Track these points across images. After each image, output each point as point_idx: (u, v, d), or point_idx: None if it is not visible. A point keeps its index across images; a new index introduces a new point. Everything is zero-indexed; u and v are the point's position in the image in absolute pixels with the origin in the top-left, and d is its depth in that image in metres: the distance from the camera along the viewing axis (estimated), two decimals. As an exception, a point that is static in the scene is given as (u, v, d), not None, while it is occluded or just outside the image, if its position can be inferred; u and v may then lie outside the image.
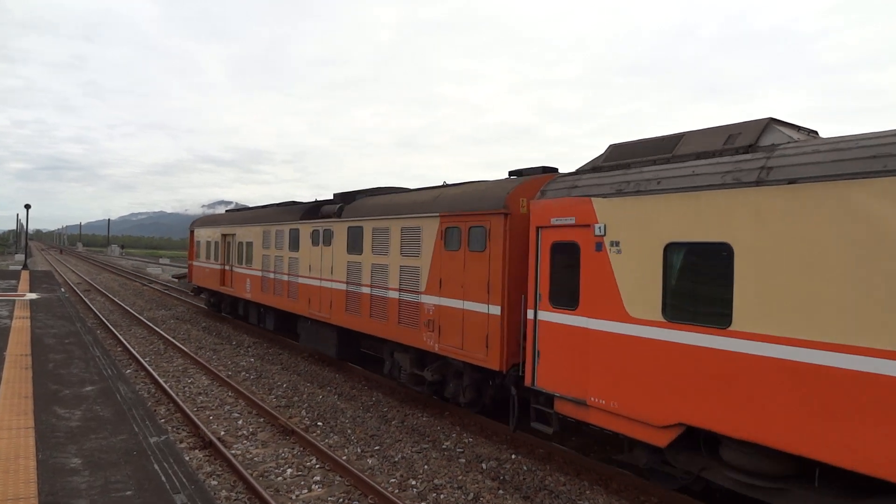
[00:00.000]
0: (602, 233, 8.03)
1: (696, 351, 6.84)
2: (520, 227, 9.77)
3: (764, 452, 6.44)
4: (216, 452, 9.53)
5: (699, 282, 6.98)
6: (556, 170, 10.76)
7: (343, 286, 14.50)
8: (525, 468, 9.41)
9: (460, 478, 8.98)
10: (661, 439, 7.28)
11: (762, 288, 6.24)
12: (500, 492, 8.51)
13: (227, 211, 27.70)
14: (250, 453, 9.76)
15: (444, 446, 10.40)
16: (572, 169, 9.66)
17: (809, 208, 5.89)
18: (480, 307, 10.20)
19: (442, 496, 8.30)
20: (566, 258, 8.67)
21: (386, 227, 12.88)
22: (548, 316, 8.91)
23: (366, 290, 13.56)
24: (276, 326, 19.50)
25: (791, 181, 6.07)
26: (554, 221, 8.79)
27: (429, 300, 11.48)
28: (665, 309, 7.21)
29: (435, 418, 12.01)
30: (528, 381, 9.23)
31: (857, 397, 5.47)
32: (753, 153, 6.80)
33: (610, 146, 9.13)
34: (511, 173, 11.25)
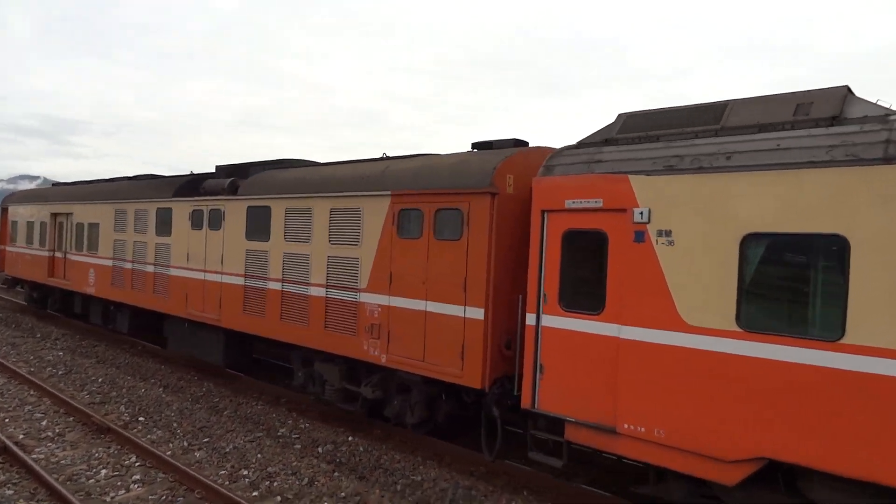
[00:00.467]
0: (645, 219, 6.43)
1: (789, 368, 5.48)
2: (507, 211, 7.91)
3: (868, 490, 5.27)
4: (12, 458, 8.56)
5: (795, 282, 5.63)
6: (527, 143, 9.05)
7: (239, 280, 11.60)
8: (361, 449, 9.32)
9: (295, 463, 8.71)
10: (732, 476, 5.87)
11: (891, 290, 5.01)
12: (336, 474, 8.40)
13: (56, 185, 22.54)
14: (56, 456, 8.81)
15: (279, 433, 10.02)
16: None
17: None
18: (454, 309, 8.18)
19: (275, 483, 8.06)
20: (586, 250, 6.98)
21: (307, 207, 10.30)
22: (557, 321, 7.16)
23: (275, 285, 10.86)
24: (132, 327, 15.74)
25: (937, 160, 4.87)
26: (570, 204, 7.04)
27: (373, 299, 9.21)
28: (741, 316, 5.78)
29: (270, 406, 11.40)
30: (525, 403, 7.42)
31: None
32: (860, 125, 5.56)
33: (622, 115, 7.56)
34: (475, 145, 9.33)
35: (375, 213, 9.20)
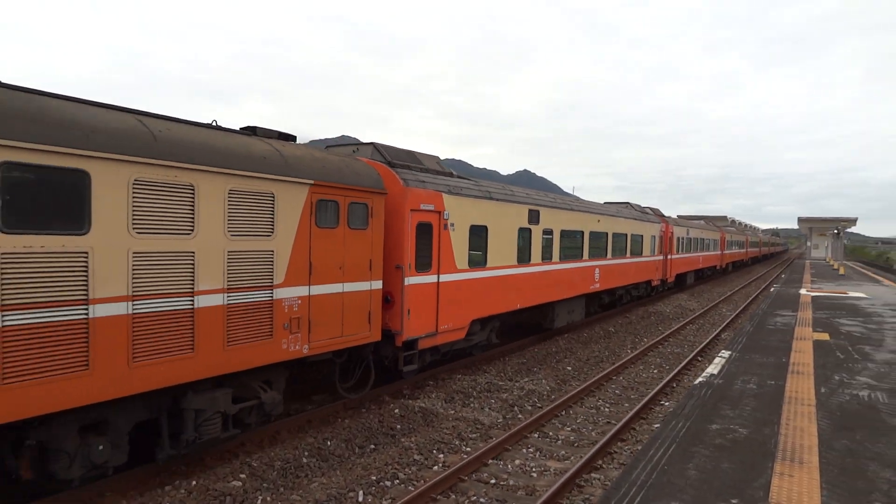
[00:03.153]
0: (447, 217, 12.17)
1: (479, 280, 13.41)
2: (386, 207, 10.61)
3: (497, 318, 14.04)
4: None
5: (477, 245, 13.42)
6: (294, 137, 10.63)
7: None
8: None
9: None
10: (463, 334, 13.08)
11: (494, 246, 14.00)
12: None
13: None
14: None
15: None
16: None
17: (506, 213, 14.36)
18: (362, 286, 9.99)
19: None
20: (424, 234, 11.60)
21: (189, 183, 7.05)
22: (414, 280, 11.33)
23: (115, 308, 6.39)
24: None
25: (498, 200, 14.20)
26: (422, 206, 11.38)
27: (291, 293, 8.62)
28: (469, 261, 13.04)
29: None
30: (403, 338, 11.00)
31: (513, 283, 14.86)
32: (461, 179, 13.87)
33: (377, 144, 11.97)
34: (247, 129, 9.63)
35: (292, 201, 8.55)
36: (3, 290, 5.48)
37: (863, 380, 10.28)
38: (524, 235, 15.61)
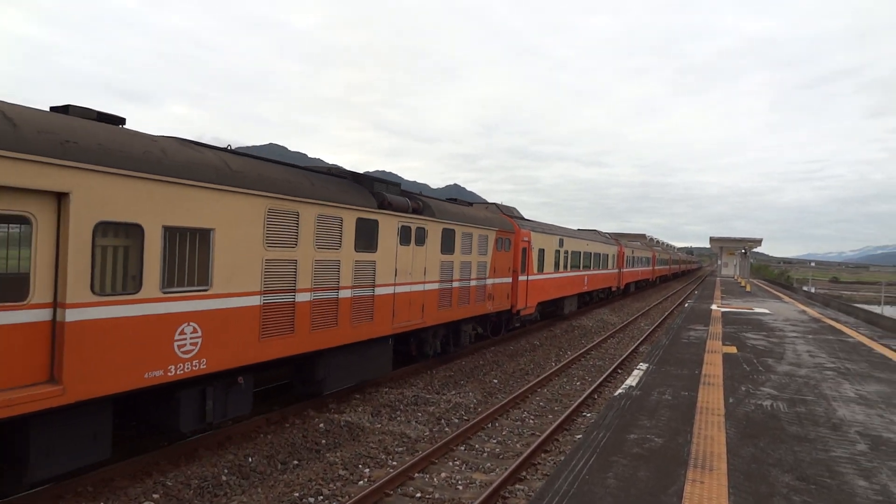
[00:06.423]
0: (534, 245, 22.15)
1: (541, 279, 23.43)
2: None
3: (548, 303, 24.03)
4: None
5: (539, 259, 23.43)
6: (470, 204, 20.37)
7: (436, 286, 14.98)
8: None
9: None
10: (533, 310, 23.03)
11: (546, 260, 24.07)
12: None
13: None
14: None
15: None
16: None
17: (552, 240, 24.54)
18: (506, 280, 19.85)
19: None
20: (523, 253, 21.52)
21: (470, 232, 16.81)
22: (520, 278, 21.22)
23: (457, 283, 16.05)
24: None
25: (548, 234, 24.35)
26: (524, 239, 21.35)
27: (490, 282, 18.41)
28: (537, 269, 23.04)
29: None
30: (515, 309, 20.85)
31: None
32: (533, 221, 23.95)
33: (498, 204, 21.87)
34: (451, 200, 19.52)
35: (490, 238, 18.32)
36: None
37: (766, 390, 10.53)
38: (557, 253, 25.83)
